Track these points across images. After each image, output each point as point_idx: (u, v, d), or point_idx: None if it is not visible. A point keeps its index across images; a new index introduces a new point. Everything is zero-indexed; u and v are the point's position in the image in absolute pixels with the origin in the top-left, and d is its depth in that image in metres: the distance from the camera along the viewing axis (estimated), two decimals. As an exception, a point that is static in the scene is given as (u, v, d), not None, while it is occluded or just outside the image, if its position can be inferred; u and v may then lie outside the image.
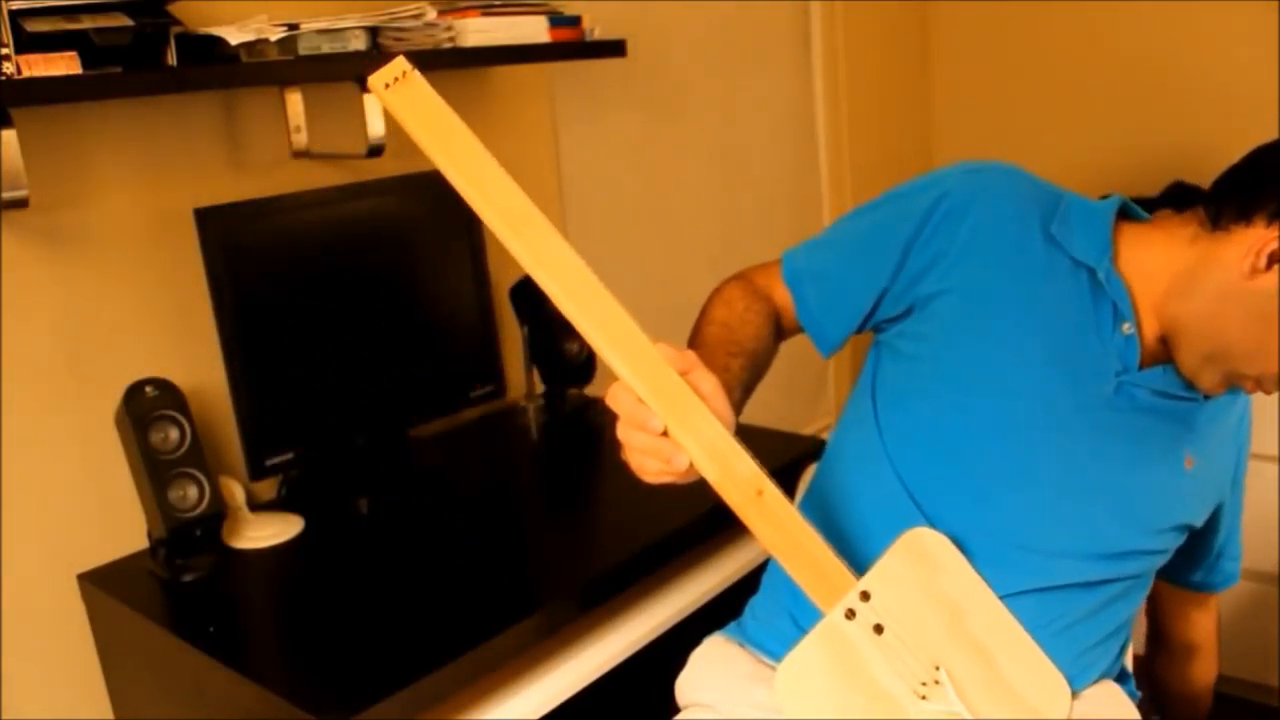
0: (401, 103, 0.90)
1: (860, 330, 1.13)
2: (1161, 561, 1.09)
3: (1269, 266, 0.94)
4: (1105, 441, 1.01)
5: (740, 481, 0.88)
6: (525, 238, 0.90)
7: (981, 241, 1.04)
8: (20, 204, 1.21)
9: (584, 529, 1.43)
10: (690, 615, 1.37)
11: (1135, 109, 2.46)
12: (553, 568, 1.33)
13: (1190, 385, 1.03)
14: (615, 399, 0.87)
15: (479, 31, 1.53)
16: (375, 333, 1.55)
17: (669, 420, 0.86)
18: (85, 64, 1.17)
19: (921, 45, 2.76)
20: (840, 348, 1.14)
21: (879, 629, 0.94)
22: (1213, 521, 1.15)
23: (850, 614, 0.93)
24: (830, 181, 2.56)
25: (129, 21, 1.21)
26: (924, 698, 0.93)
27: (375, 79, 0.88)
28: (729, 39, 2.28)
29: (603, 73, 2.00)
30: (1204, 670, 1.33)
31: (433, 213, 1.60)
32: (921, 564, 0.96)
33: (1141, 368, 1.02)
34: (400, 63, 0.89)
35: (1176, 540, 1.08)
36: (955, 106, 2.75)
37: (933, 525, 0.99)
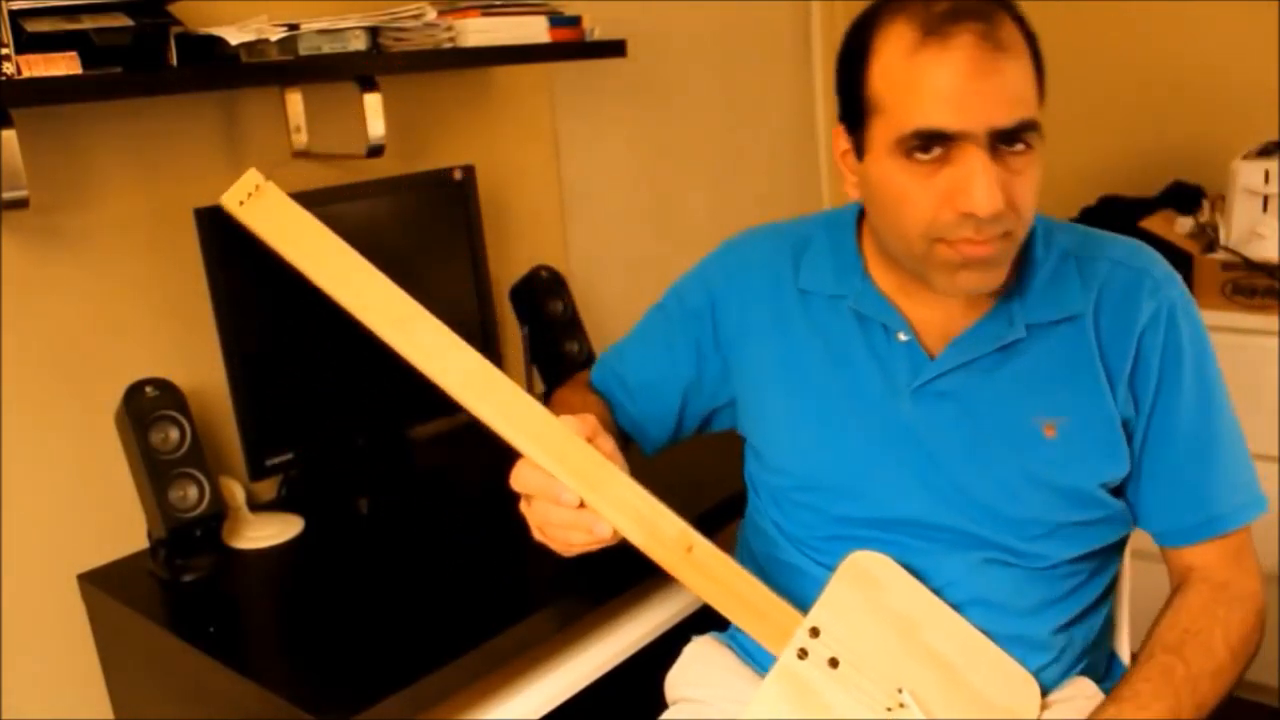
0: (258, 217, 0.87)
1: (688, 428, 1.18)
2: (1095, 531, 1.01)
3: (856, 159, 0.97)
4: (933, 442, 1.00)
5: (667, 541, 0.88)
6: (408, 333, 0.88)
7: (752, 323, 1.09)
8: (20, 204, 1.21)
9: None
10: (690, 615, 1.36)
11: (1135, 109, 2.45)
12: (553, 568, 1.32)
13: (992, 335, 0.98)
14: (522, 480, 0.87)
15: (479, 31, 1.53)
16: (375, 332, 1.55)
17: (585, 492, 0.86)
18: (85, 64, 1.17)
19: (921, 45, 2.75)
20: (665, 445, 1.19)
21: (834, 662, 0.93)
22: (1150, 467, 1.01)
23: (803, 653, 0.93)
24: (830, 181, 2.56)
25: (129, 21, 1.21)
26: None
27: (228, 197, 0.87)
28: (729, 39, 2.28)
29: (603, 73, 2.00)
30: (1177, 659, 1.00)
31: (433, 213, 1.60)
32: (865, 587, 0.96)
33: (932, 354, 1.01)
34: (252, 176, 0.87)
35: (1093, 506, 0.99)
36: (955, 106, 2.75)
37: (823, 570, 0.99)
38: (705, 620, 1.25)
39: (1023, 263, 1.00)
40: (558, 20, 1.64)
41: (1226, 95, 2.31)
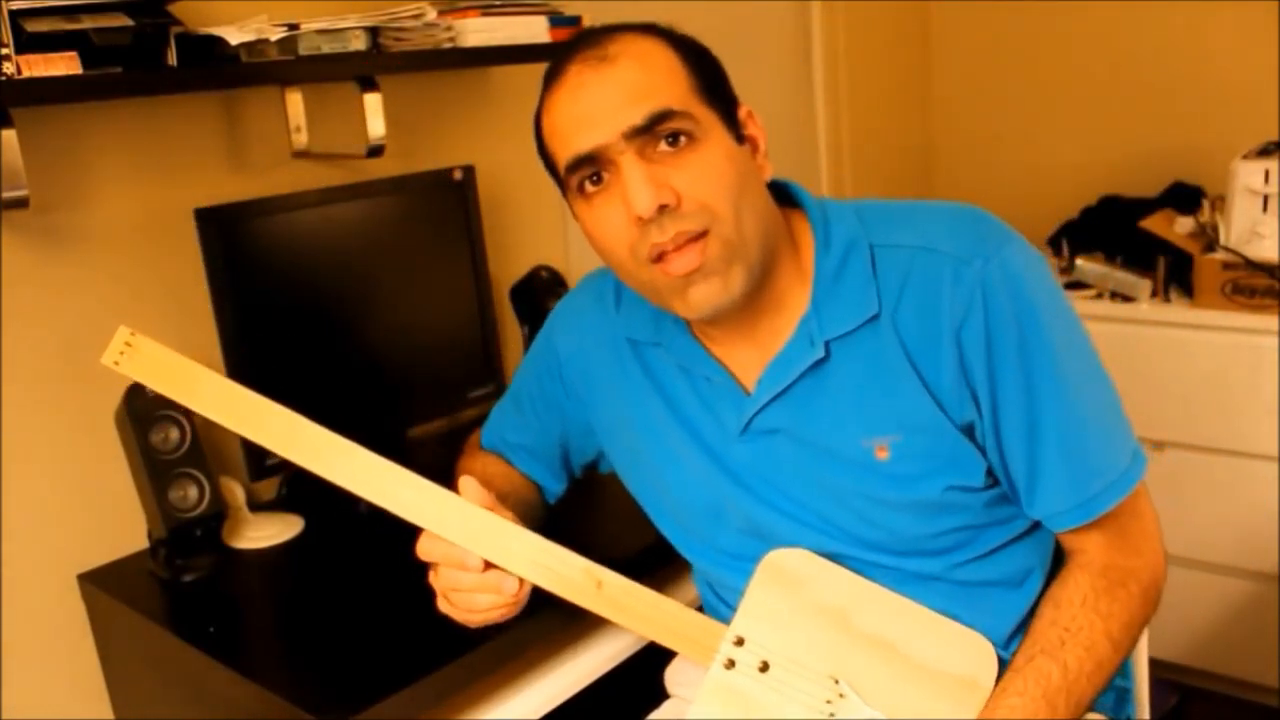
0: (139, 368, 0.93)
1: (579, 475, 1.22)
2: (985, 529, 0.96)
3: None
4: (778, 478, 0.97)
5: (575, 583, 0.93)
6: (299, 446, 0.93)
7: (595, 376, 1.10)
8: (20, 204, 1.21)
9: (584, 529, 1.43)
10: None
11: (1135, 109, 2.45)
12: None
13: (795, 360, 0.94)
14: (427, 550, 0.94)
15: (479, 31, 1.53)
16: (375, 333, 1.55)
17: (487, 553, 0.91)
18: (85, 64, 1.17)
19: (921, 45, 2.76)
20: (563, 494, 1.22)
21: (765, 666, 0.93)
22: (1010, 459, 0.94)
23: (730, 663, 0.93)
24: (830, 181, 2.56)
25: (129, 21, 1.21)
26: (832, 715, 0.91)
27: (106, 358, 0.93)
28: (729, 39, 2.27)
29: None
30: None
31: (433, 213, 1.60)
32: (786, 586, 0.95)
33: (750, 394, 0.97)
34: (122, 333, 0.93)
35: (954, 511, 0.94)
36: (955, 106, 2.75)
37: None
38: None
39: (812, 272, 0.95)
40: (558, 20, 1.64)
41: (1226, 95, 2.32)
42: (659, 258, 0.88)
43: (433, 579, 0.96)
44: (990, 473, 0.94)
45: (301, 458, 0.92)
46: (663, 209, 0.86)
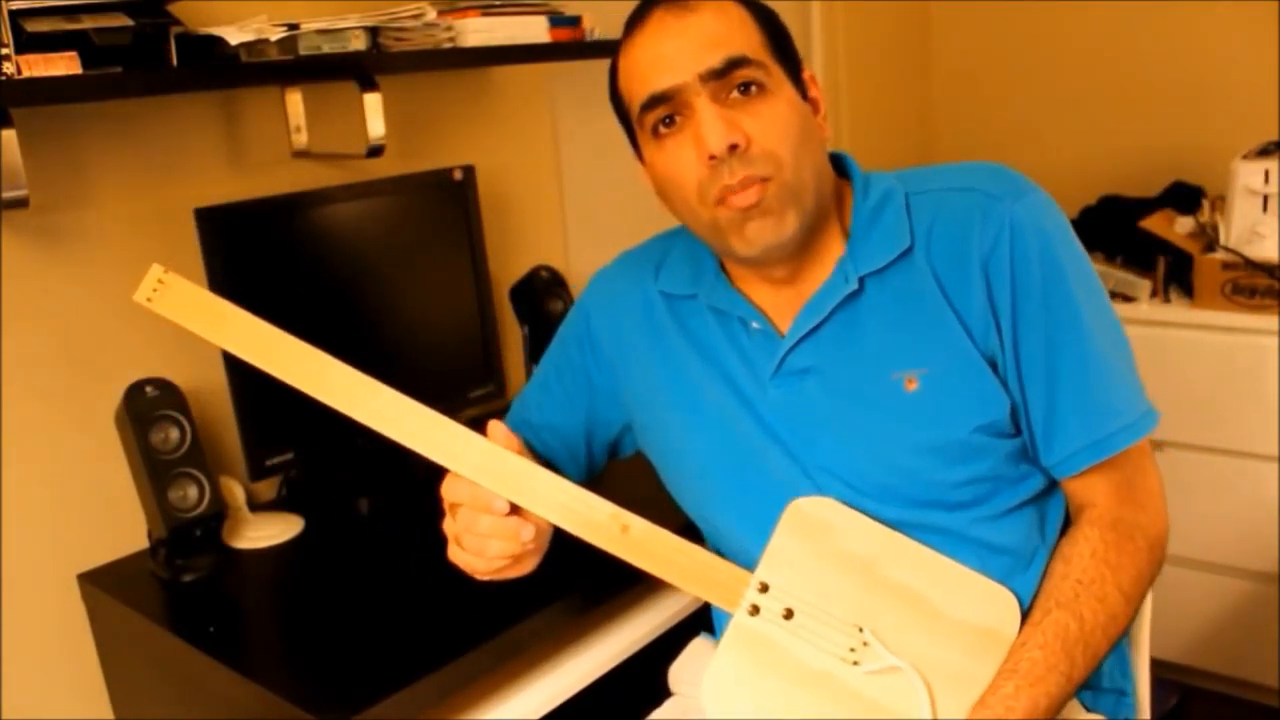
0: (171, 306, 0.93)
1: (599, 460, 1.20)
2: (980, 481, 0.97)
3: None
4: (805, 424, 0.99)
5: (601, 527, 0.93)
6: (329, 387, 0.94)
7: (630, 344, 1.10)
8: (20, 204, 1.21)
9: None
10: (689, 616, 1.36)
11: (1135, 109, 2.46)
12: (553, 567, 1.32)
13: (828, 296, 0.97)
14: (453, 489, 0.93)
15: (479, 31, 1.53)
16: (375, 332, 1.55)
17: (514, 495, 0.91)
18: (85, 64, 1.17)
19: (921, 45, 2.76)
20: (583, 483, 1.19)
21: (789, 614, 0.93)
22: (1028, 396, 0.96)
23: (754, 610, 0.93)
24: (830, 181, 2.57)
25: (129, 21, 1.21)
26: (856, 663, 0.91)
27: (139, 294, 0.92)
28: (729, 39, 2.28)
29: (602, 73, 1.99)
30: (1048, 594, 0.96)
31: (433, 213, 1.60)
32: (812, 534, 0.95)
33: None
34: (155, 271, 0.93)
35: (977, 455, 0.95)
36: (955, 106, 2.75)
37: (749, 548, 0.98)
38: (705, 620, 1.25)
39: (850, 219, 1.01)
40: (558, 20, 1.64)
41: (1226, 95, 2.32)
42: (722, 200, 0.93)
43: (447, 524, 0.96)
44: (1013, 416, 0.96)
45: (331, 397, 0.93)
46: (733, 149, 0.91)
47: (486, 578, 0.97)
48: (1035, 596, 0.97)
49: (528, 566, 0.98)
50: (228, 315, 0.93)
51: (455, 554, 0.96)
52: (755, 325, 1.01)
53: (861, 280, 0.97)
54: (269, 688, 1.09)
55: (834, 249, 1.00)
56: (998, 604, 0.93)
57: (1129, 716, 1.10)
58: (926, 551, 0.94)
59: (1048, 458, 0.97)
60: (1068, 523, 1.03)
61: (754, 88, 0.93)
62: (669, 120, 0.94)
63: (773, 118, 0.93)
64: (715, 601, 0.95)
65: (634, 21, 0.97)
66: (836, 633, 0.92)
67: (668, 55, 0.93)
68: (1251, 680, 2.09)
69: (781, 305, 1.01)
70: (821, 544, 0.94)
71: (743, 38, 0.93)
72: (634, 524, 0.92)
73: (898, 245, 0.96)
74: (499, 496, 0.91)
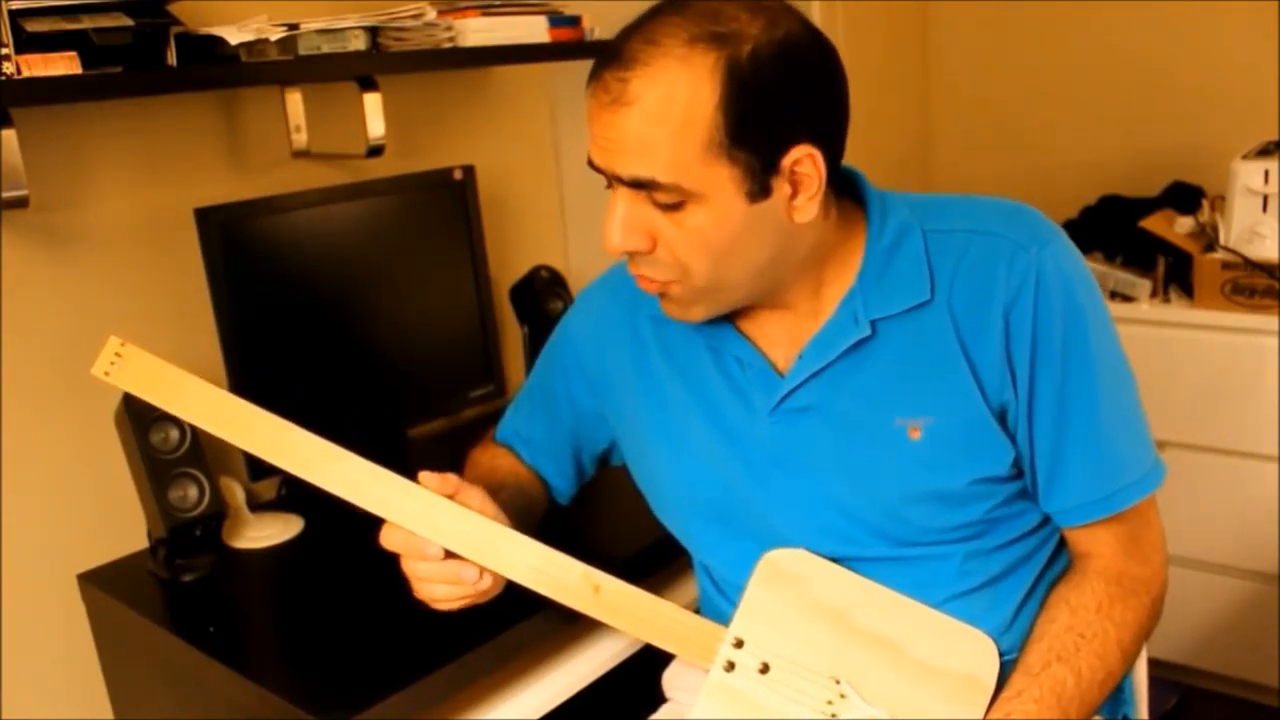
0: (129, 379, 0.93)
1: (589, 471, 1.20)
2: (971, 525, 0.95)
3: None
4: (800, 462, 0.96)
5: (572, 589, 0.93)
6: (287, 452, 0.93)
7: (615, 365, 1.09)
8: (20, 204, 1.21)
9: (584, 529, 1.43)
10: (690, 615, 1.37)
11: (1135, 109, 2.46)
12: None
13: (837, 338, 0.94)
14: (389, 539, 0.93)
15: (479, 31, 1.53)
16: (375, 332, 1.55)
17: (482, 560, 0.91)
18: (85, 64, 1.17)
19: (921, 45, 2.76)
20: (574, 493, 1.21)
21: (765, 668, 0.93)
22: (1038, 446, 0.95)
23: (730, 666, 0.93)
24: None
25: (129, 21, 1.21)
26: (834, 715, 0.91)
27: (96, 369, 0.93)
28: (729, 39, 2.27)
29: (603, 73, 2.00)
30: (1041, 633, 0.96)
31: (433, 213, 1.60)
32: (785, 586, 0.95)
33: (784, 373, 0.97)
34: (113, 344, 0.93)
35: (973, 503, 0.94)
36: (955, 106, 2.75)
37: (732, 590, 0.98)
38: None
39: (862, 254, 0.95)
40: (558, 20, 1.64)
41: (1226, 95, 2.32)
42: None
43: (403, 565, 0.96)
44: (1016, 463, 0.94)
45: (289, 464, 0.93)
46: (632, 253, 0.89)
47: (452, 610, 0.97)
48: (1031, 633, 0.96)
49: (489, 593, 0.96)
50: (187, 386, 0.93)
51: (416, 594, 0.97)
52: (748, 360, 0.98)
53: (874, 324, 0.93)
54: (269, 688, 1.09)
55: (840, 279, 0.95)
56: (975, 649, 0.93)
57: (1127, 716, 1.10)
58: (900, 598, 0.94)
59: (1049, 505, 0.96)
60: (1061, 545, 1.02)
61: (673, 201, 0.86)
62: (607, 181, 0.90)
63: (689, 230, 0.86)
64: (691, 659, 0.95)
65: (591, 73, 0.88)
66: (813, 685, 0.92)
67: (597, 137, 0.87)
68: (1251, 680, 2.09)
69: (777, 336, 0.98)
70: (795, 595, 0.94)
71: (669, 149, 0.83)
72: (605, 584, 0.93)
73: (916, 295, 0.92)
74: (431, 543, 0.91)
